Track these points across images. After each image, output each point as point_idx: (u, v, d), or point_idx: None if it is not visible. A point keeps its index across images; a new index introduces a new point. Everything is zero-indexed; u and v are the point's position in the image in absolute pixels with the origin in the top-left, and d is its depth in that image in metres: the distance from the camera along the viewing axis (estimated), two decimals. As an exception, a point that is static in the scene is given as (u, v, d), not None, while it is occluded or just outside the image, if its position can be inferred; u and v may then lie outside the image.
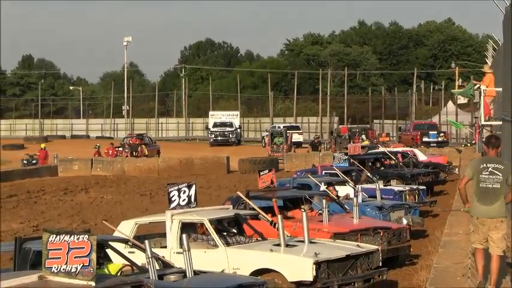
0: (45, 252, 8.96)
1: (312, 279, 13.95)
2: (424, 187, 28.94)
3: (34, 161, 54.90)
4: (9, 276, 9.37)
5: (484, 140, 14.97)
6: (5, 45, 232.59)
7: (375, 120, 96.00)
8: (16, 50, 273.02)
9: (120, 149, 61.89)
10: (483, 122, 30.22)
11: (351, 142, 54.64)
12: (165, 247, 14.99)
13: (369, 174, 28.92)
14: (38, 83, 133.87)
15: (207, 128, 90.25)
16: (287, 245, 14.95)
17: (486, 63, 42.31)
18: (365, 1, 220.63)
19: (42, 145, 62.53)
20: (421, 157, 40.55)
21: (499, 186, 12.63)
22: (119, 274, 12.29)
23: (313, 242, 15.40)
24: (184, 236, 12.84)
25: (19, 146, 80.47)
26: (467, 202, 13.04)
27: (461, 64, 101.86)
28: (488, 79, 30.42)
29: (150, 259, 12.08)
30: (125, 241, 13.89)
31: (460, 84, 57.66)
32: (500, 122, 25.33)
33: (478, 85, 31.47)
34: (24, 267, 11.84)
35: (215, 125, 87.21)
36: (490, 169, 12.65)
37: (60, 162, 52.92)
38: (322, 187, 22.39)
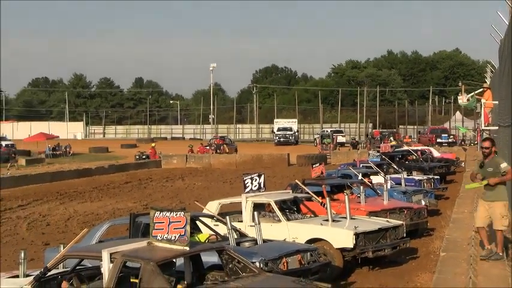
0: (152, 225, 9.03)
1: (352, 246, 13.87)
2: (438, 177, 28.55)
3: (144, 156, 55.39)
4: (126, 242, 9.47)
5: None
6: (123, 71, 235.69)
7: (400, 126, 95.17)
8: (131, 73, 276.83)
9: (208, 147, 62.28)
10: (483, 127, 29.75)
11: (382, 142, 54.02)
12: (241, 221, 14.97)
13: (395, 166, 28.65)
14: (146, 98, 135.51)
15: (272, 131, 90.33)
16: (333, 220, 14.87)
17: (485, 82, 41.58)
18: (393, 35, 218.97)
19: (152, 144, 63.08)
20: (436, 154, 40.06)
21: None
22: (206, 241, 12.33)
23: (353, 218, 15.27)
24: (255, 213, 12.88)
25: (133, 146, 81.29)
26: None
27: (466, 83, 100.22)
28: (487, 94, 29.92)
29: (230, 230, 12.15)
30: (211, 217, 13.94)
31: (466, 98, 56.77)
32: (497, 127, 24.92)
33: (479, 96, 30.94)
34: (137, 236, 11.94)
35: (279, 129, 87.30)
36: None
37: (163, 158, 53.40)
38: (360, 176, 22.22)
